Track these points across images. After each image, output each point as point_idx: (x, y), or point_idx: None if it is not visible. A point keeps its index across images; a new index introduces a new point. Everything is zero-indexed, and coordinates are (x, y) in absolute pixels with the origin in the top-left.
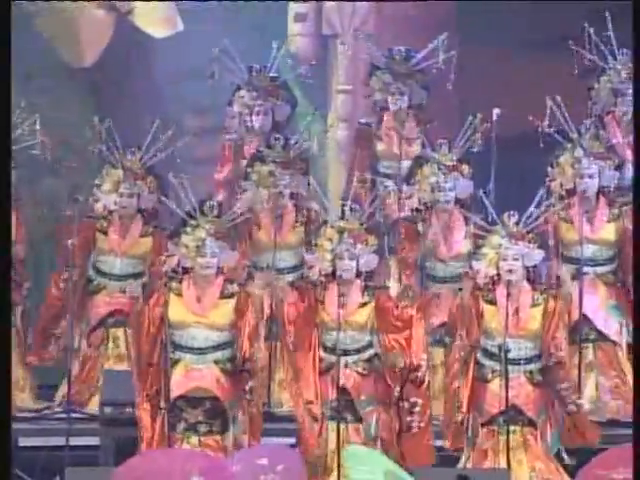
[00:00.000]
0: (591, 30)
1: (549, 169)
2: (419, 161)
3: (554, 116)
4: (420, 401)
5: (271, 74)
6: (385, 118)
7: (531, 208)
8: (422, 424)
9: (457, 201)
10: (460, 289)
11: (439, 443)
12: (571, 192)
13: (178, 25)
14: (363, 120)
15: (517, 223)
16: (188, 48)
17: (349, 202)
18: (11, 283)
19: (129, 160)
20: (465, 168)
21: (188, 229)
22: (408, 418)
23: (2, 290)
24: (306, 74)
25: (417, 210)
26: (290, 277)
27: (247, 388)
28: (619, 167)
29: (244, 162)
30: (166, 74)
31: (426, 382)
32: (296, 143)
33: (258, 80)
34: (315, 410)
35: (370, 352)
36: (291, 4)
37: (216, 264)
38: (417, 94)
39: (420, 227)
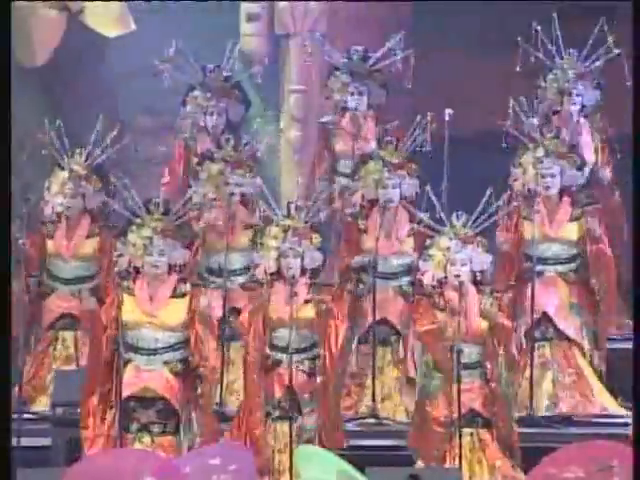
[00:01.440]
0: (539, 29)
1: (512, 169)
2: (364, 158)
3: (516, 116)
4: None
5: (225, 74)
6: (344, 118)
7: (478, 209)
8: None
9: (403, 199)
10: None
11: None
12: (533, 192)
13: (130, 25)
14: (323, 119)
15: (465, 225)
16: (141, 48)
17: (296, 200)
18: (11, 283)
19: (74, 161)
20: (412, 167)
21: (134, 227)
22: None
23: (2, 290)
24: (259, 74)
25: (361, 206)
26: (241, 279)
27: (198, 390)
28: (580, 167)
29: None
30: (119, 74)
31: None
32: (247, 144)
33: (212, 80)
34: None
35: (315, 351)
36: (243, 4)
37: (165, 262)
38: (375, 94)
39: (361, 223)
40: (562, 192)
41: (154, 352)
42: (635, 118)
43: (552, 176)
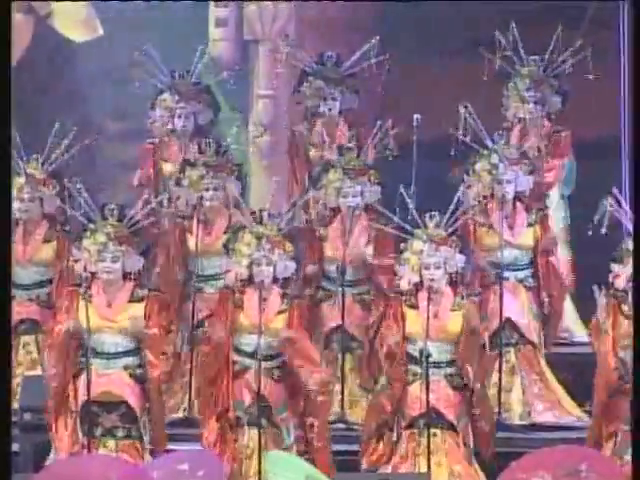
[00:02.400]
0: (501, 37)
1: (465, 176)
2: (325, 166)
3: (469, 123)
4: (317, 422)
5: (194, 79)
6: (317, 124)
7: (451, 209)
8: (319, 444)
9: (366, 206)
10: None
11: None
12: (488, 198)
13: (98, 30)
14: (295, 126)
15: (437, 225)
16: (110, 52)
17: (268, 208)
18: (11, 283)
19: (32, 165)
20: (373, 173)
21: (88, 233)
22: (309, 435)
23: (2, 289)
24: (228, 79)
25: (324, 215)
26: (220, 283)
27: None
28: (532, 172)
29: (165, 165)
30: (87, 78)
31: (327, 402)
32: (226, 150)
33: (181, 84)
34: (230, 416)
35: (283, 358)
36: (212, 9)
37: (119, 269)
38: (348, 99)
39: (323, 232)
40: (516, 198)
41: (114, 356)
42: (635, 118)
43: (508, 182)
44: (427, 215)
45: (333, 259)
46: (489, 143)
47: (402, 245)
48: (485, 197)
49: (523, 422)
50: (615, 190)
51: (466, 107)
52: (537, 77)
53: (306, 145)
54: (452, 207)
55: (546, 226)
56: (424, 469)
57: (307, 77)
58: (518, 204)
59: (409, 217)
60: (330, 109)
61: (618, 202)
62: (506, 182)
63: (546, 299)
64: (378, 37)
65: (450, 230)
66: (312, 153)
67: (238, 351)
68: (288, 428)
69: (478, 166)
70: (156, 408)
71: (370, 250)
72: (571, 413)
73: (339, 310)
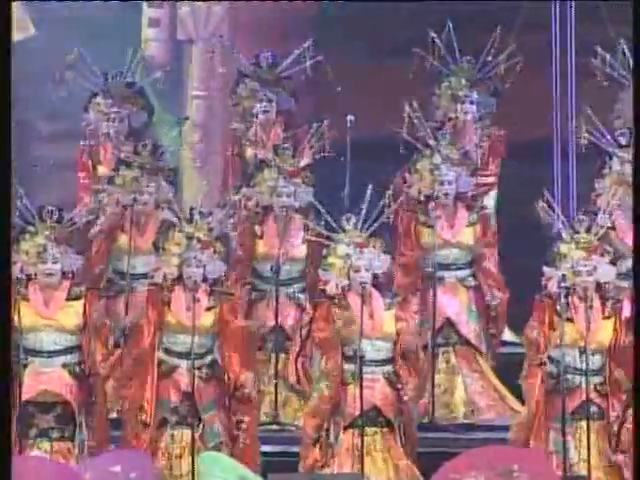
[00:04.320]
0: (434, 36)
1: (407, 175)
2: (261, 165)
3: (412, 122)
4: (246, 419)
5: (127, 80)
6: (253, 125)
7: (363, 210)
8: (247, 441)
9: (299, 207)
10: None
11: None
12: (429, 198)
13: (29, 29)
14: (233, 126)
15: (356, 227)
16: (42, 53)
17: (198, 207)
18: (11, 283)
19: None
20: (306, 175)
21: (27, 236)
22: (235, 432)
23: (2, 289)
24: (161, 80)
25: (256, 213)
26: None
27: (94, 393)
28: (474, 173)
29: (100, 168)
30: (19, 79)
31: (253, 400)
32: (162, 152)
33: (114, 86)
34: (146, 416)
35: (211, 357)
36: (145, 9)
37: (59, 270)
38: (284, 100)
39: (257, 230)
40: (457, 198)
41: (52, 355)
42: (635, 119)
43: (449, 182)
44: (344, 218)
45: (267, 258)
46: (432, 142)
47: (324, 250)
48: (426, 197)
49: (468, 421)
50: (546, 192)
51: (411, 105)
52: (472, 77)
53: (242, 146)
54: (364, 209)
55: (486, 226)
56: (365, 468)
57: (243, 78)
58: (459, 204)
59: (328, 221)
60: (266, 110)
61: (549, 204)
62: (447, 182)
63: (492, 298)
64: (312, 39)
65: (370, 231)
66: (248, 154)
67: (166, 350)
68: (217, 427)
69: (419, 165)
70: (100, 407)
71: (304, 250)
72: (515, 410)
73: (273, 309)
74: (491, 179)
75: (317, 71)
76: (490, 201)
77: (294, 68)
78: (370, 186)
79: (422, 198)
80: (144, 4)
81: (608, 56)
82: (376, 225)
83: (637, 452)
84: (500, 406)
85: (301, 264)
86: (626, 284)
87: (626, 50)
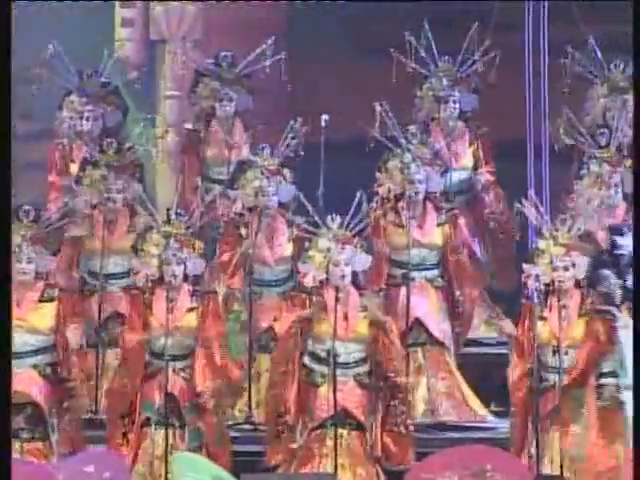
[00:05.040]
0: (412, 38)
1: (377, 174)
2: (243, 166)
3: (384, 122)
4: (203, 427)
5: (102, 79)
6: (213, 124)
7: (351, 212)
8: (210, 448)
9: (280, 205)
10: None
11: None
12: (400, 197)
13: None
14: (190, 126)
15: (341, 226)
16: (16, 51)
17: (175, 207)
18: (11, 282)
19: None
20: (287, 172)
21: None
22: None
23: (2, 289)
24: (135, 80)
25: (241, 214)
26: (123, 282)
27: (67, 394)
28: (444, 173)
29: (73, 167)
30: None
31: (210, 408)
32: (130, 148)
33: (88, 85)
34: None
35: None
36: (117, 9)
37: (33, 270)
38: (244, 100)
39: (243, 231)
40: (427, 198)
41: (23, 355)
42: (635, 120)
43: (419, 182)
44: (329, 217)
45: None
46: (402, 142)
47: (306, 244)
48: (396, 196)
49: (426, 421)
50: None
51: (381, 105)
52: (453, 76)
53: (202, 145)
54: (352, 209)
55: (456, 226)
56: (330, 470)
57: (202, 78)
58: (429, 204)
59: (312, 219)
60: (225, 109)
61: (528, 203)
62: (417, 182)
63: (460, 298)
64: (273, 37)
65: (354, 231)
66: (208, 153)
67: (151, 352)
68: (199, 428)
69: (390, 164)
70: (74, 407)
71: (290, 248)
72: (477, 413)
73: (264, 309)
74: (492, 177)
75: (279, 69)
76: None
77: (253, 67)
78: (360, 190)
79: (392, 197)
80: (117, 4)
81: (577, 54)
82: (361, 226)
83: (637, 452)
84: (462, 408)
85: (289, 263)
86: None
87: (595, 47)
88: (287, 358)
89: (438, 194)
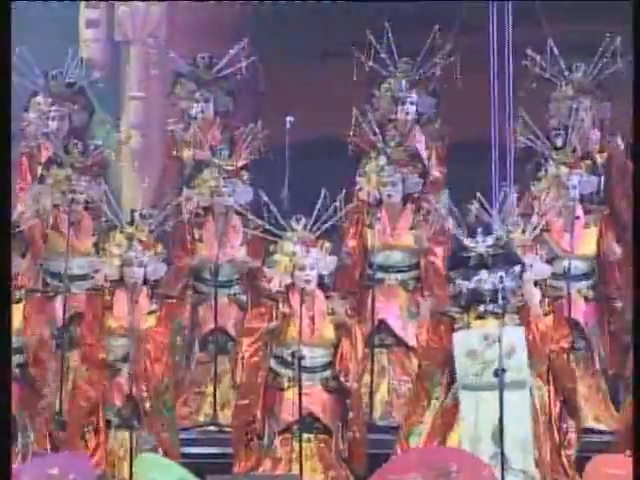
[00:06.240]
0: (372, 38)
1: (357, 178)
2: (200, 165)
3: (360, 124)
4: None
5: (67, 80)
6: (191, 126)
7: (315, 213)
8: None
9: (240, 207)
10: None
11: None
12: (376, 200)
13: None
14: (170, 127)
15: (305, 228)
16: None
17: (139, 208)
18: (11, 284)
19: None
20: (245, 174)
21: None
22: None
23: (2, 290)
24: (100, 80)
25: (197, 215)
26: (87, 284)
27: (38, 396)
28: (422, 174)
29: (39, 169)
30: None
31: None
32: (95, 149)
33: (54, 86)
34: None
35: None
36: (82, 9)
37: None
38: (222, 101)
39: (196, 232)
40: (406, 200)
41: None
42: (635, 122)
43: (393, 184)
44: (294, 218)
45: (207, 260)
46: (379, 144)
47: (271, 247)
48: (374, 199)
49: (384, 422)
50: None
51: (359, 108)
52: (411, 78)
53: (180, 147)
54: (317, 210)
55: (430, 227)
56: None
57: (180, 79)
58: (407, 205)
59: (277, 220)
60: (203, 111)
61: (483, 205)
62: (390, 184)
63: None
64: (247, 38)
65: (319, 233)
66: (185, 154)
67: (110, 354)
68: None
69: (368, 167)
70: (43, 410)
71: (244, 251)
72: None
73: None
74: (441, 178)
75: (255, 71)
76: (441, 199)
77: (230, 68)
78: (324, 190)
79: (370, 200)
80: (82, 4)
81: (538, 57)
82: (326, 227)
83: (637, 451)
84: (420, 411)
85: (238, 265)
86: (562, 284)
87: (555, 49)
88: (256, 373)
89: (416, 195)
